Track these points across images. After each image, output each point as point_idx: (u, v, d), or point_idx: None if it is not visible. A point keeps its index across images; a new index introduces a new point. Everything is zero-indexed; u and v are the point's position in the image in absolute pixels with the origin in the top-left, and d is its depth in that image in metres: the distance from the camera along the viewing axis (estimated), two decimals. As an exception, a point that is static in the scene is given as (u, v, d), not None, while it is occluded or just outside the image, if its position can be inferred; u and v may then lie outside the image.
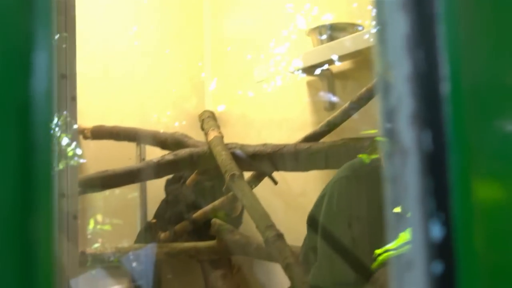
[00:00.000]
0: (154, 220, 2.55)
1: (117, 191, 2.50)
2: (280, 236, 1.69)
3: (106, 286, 2.24)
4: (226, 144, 2.11)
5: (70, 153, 1.74)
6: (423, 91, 0.50)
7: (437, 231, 0.49)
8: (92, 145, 2.54)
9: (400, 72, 0.50)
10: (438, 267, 0.50)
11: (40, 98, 0.53)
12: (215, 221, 2.09)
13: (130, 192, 2.62)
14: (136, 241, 2.51)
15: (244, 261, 2.43)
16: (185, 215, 2.37)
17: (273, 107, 2.57)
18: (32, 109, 0.53)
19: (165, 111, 2.80)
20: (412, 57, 0.50)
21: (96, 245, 2.37)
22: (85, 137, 2.50)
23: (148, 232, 2.53)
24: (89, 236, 2.39)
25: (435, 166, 0.50)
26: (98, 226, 2.40)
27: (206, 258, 2.28)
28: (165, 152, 2.30)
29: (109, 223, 2.43)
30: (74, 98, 1.74)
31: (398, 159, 0.51)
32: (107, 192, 2.43)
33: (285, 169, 2.09)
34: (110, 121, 2.54)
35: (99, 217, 2.42)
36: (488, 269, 0.50)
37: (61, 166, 1.71)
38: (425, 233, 0.50)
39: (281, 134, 2.35)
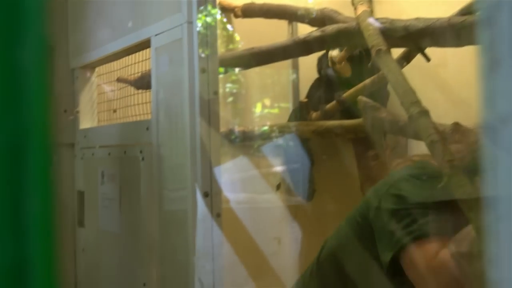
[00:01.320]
0: (305, 100, 2.52)
1: (267, 70, 2.48)
2: (425, 112, 1.60)
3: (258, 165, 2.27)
4: (376, 19, 2.02)
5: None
6: None
7: None
8: (244, 23, 2.52)
9: None
10: None
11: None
12: (361, 98, 2.02)
13: (282, 71, 2.60)
14: (289, 121, 2.51)
15: (398, 142, 2.37)
16: (335, 94, 2.33)
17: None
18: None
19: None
20: None
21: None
22: (236, 16, 2.48)
23: (299, 112, 2.51)
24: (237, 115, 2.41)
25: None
26: (247, 105, 2.41)
27: (353, 137, 2.24)
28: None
29: (260, 102, 2.43)
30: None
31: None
32: (258, 71, 2.42)
33: (437, 44, 1.97)
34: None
35: (249, 96, 2.43)
36: None
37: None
38: None
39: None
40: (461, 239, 1.58)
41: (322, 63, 2.51)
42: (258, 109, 2.43)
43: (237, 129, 2.25)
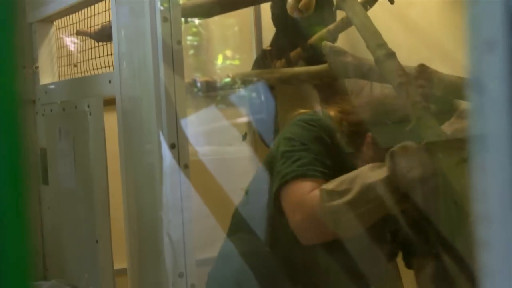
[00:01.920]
0: (269, 48, 2.48)
1: (229, 20, 2.44)
2: (391, 54, 1.59)
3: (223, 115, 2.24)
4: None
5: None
6: None
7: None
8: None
9: None
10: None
11: None
12: (326, 43, 2.00)
13: (244, 21, 2.56)
14: (252, 69, 2.47)
15: (363, 87, 2.35)
16: (299, 41, 2.30)
17: None
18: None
19: None
20: None
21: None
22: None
23: (263, 60, 2.48)
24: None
25: None
26: (210, 56, 2.37)
27: (318, 83, 2.22)
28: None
29: (222, 52, 2.39)
30: None
31: None
32: (219, 21, 2.38)
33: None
34: None
35: (212, 47, 2.39)
36: None
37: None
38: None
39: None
40: (335, 183, 1.67)
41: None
42: (220, 60, 2.39)
43: (200, 79, 2.22)
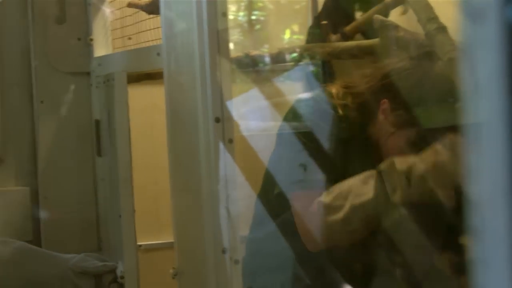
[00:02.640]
0: (325, 22, 2.42)
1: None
2: (442, 28, 1.52)
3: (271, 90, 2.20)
4: None
5: None
6: None
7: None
8: None
9: None
10: None
11: None
12: (377, 17, 1.93)
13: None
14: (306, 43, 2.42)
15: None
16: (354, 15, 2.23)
17: None
18: None
19: None
20: None
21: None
22: None
23: (318, 35, 2.42)
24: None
25: None
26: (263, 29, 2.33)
27: (370, 57, 2.15)
28: None
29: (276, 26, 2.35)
30: None
31: None
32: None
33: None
34: None
35: (265, 20, 2.34)
36: None
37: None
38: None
39: None
40: (331, 195, 1.70)
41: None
42: (273, 33, 2.35)
43: (251, 53, 2.18)
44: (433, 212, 1.67)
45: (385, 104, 1.73)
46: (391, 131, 1.72)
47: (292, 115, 1.84)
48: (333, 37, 2.33)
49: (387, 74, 1.75)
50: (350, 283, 1.79)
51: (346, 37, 2.29)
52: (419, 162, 1.60)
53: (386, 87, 1.73)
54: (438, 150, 1.58)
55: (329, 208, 1.68)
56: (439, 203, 1.60)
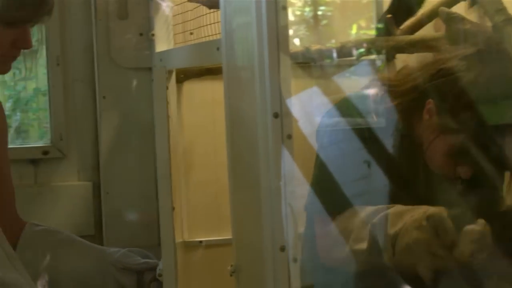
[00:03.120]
0: (389, 16, 2.37)
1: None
2: (510, 20, 1.46)
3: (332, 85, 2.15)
4: None
5: None
6: None
7: None
8: None
9: None
10: None
11: None
12: (443, 9, 1.87)
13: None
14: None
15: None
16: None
17: None
18: None
19: None
20: None
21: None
22: None
23: (384, 29, 2.37)
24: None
25: None
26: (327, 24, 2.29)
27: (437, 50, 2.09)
28: None
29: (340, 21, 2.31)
30: None
31: None
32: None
33: None
34: None
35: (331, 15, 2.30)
36: None
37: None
38: None
39: None
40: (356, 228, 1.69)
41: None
42: (336, 28, 2.31)
43: (312, 47, 2.14)
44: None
45: (430, 104, 1.67)
46: (434, 135, 1.67)
47: (348, 110, 1.79)
48: (398, 31, 2.28)
49: (438, 73, 1.69)
50: (412, 283, 1.74)
51: (411, 31, 2.24)
52: (404, 232, 1.56)
53: (435, 87, 1.68)
54: (423, 227, 1.53)
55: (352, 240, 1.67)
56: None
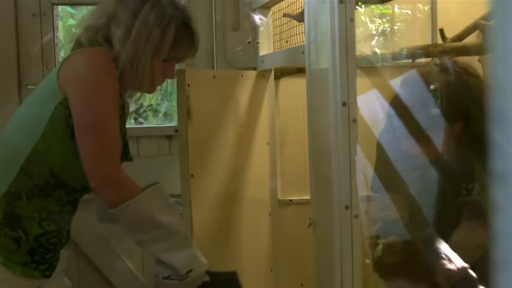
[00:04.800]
0: (440, 28, 2.25)
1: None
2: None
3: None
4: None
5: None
6: None
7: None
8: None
9: None
10: None
11: None
12: (480, 21, 1.75)
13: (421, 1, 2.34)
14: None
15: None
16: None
17: None
18: None
19: None
20: None
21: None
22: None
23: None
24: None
25: None
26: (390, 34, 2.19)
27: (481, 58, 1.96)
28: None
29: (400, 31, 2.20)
30: None
31: None
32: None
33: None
34: None
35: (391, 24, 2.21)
36: None
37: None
38: None
39: None
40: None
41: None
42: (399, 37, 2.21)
43: (376, 52, 2.07)
44: None
45: (458, 128, 1.56)
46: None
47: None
48: (448, 39, 2.16)
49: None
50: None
51: (458, 39, 2.12)
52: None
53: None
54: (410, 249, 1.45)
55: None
56: None
